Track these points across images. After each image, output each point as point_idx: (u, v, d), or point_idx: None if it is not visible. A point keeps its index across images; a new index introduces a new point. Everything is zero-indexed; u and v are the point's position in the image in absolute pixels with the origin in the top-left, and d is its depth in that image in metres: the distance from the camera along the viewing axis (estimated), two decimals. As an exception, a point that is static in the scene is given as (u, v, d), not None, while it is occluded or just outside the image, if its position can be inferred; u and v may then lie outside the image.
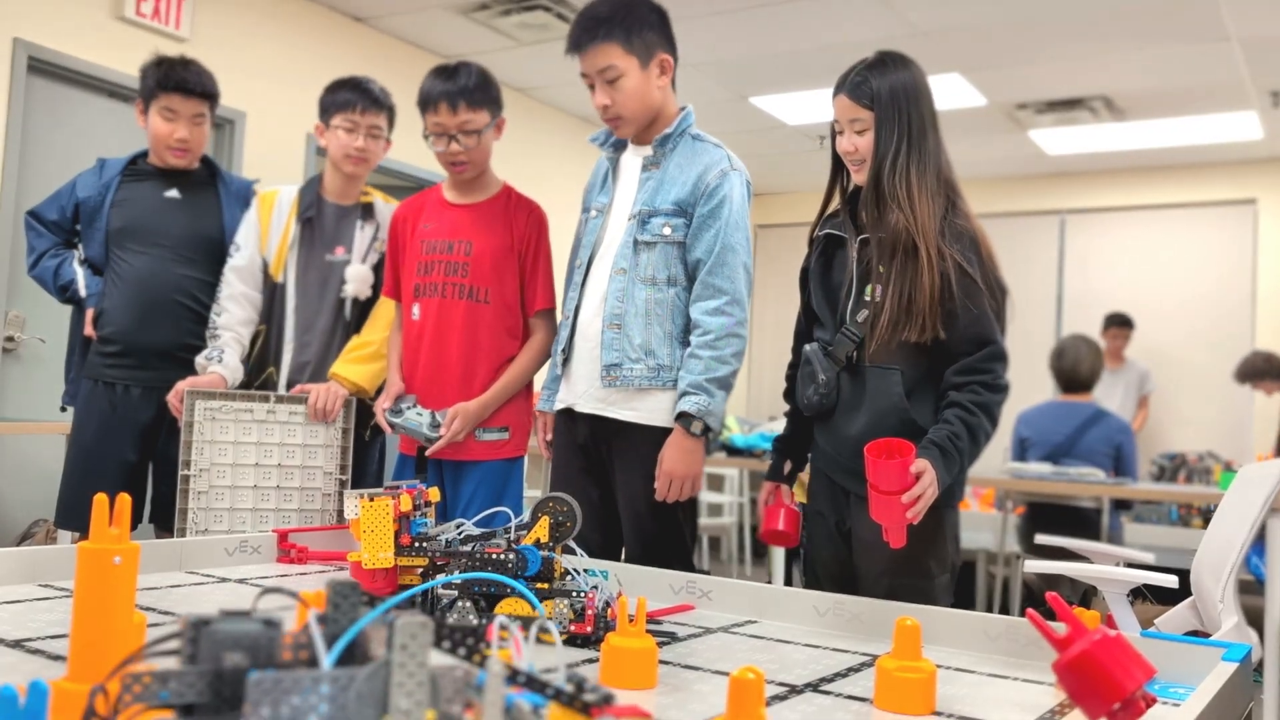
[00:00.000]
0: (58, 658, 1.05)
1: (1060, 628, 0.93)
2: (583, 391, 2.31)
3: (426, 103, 2.45)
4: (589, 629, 1.27)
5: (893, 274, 1.94)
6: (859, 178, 2.05)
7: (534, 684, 0.66)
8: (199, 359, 2.66)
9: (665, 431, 2.22)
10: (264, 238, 2.73)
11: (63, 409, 2.99)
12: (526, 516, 1.45)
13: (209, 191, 2.90)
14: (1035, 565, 2.39)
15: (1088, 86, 6.25)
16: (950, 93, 6.41)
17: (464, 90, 2.42)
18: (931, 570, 1.97)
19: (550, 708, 0.66)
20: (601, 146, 2.43)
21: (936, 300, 1.91)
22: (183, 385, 2.55)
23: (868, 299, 1.98)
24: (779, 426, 4.91)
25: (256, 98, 5.34)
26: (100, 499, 0.82)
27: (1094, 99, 6.45)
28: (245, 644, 0.62)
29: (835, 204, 2.17)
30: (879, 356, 1.96)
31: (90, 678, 0.79)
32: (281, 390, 2.66)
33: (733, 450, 4.97)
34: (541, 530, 1.39)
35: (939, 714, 1.05)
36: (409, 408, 2.42)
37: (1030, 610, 0.96)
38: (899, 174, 1.96)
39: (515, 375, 2.49)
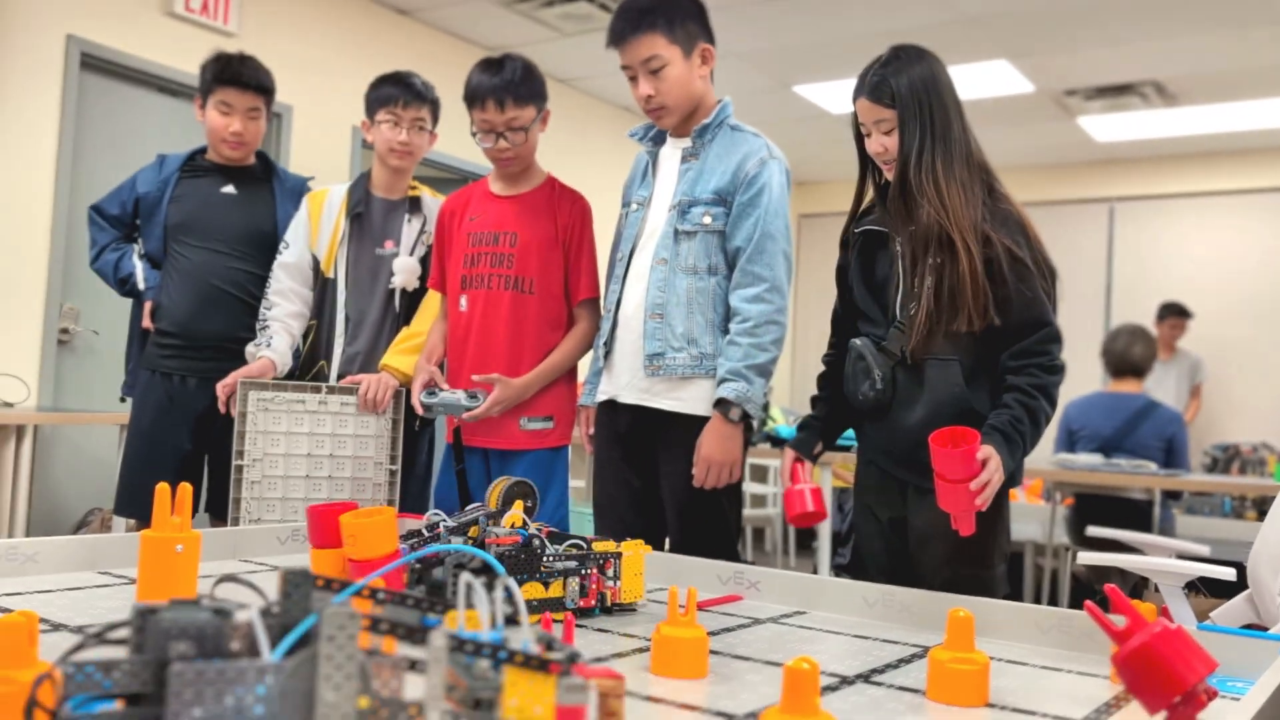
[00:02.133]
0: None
1: (1119, 620, 0.92)
2: (625, 383, 2.32)
3: (473, 99, 2.46)
4: (593, 603, 1.36)
5: (927, 268, 1.92)
6: (891, 175, 2.03)
7: (481, 650, 0.64)
8: (248, 348, 2.71)
9: (708, 420, 2.23)
10: (314, 235, 2.77)
11: (122, 399, 3.05)
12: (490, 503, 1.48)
13: (264, 188, 2.96)
14: (1091, 557, 2.36)
15: (1138, 72, 6.16)
16: (998, 80, 6.33)
17: (510, 85, 2.42)
18: (993, 560, 1.96)
19: (507, 671, 0.65)
20: (640, 141, 2.44)
21: (980, 289, 1.89)
22: (233, 376, 2.59)
23: (919, 291, 1.97)
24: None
25: (304, 91, 5.39)
26: (162, 489, 0.83)
27: (1144, 84, 6.35)
28: (191, 633, 0.60)
29: (866, 199, 2.16)
30: (931, 348, 1.95)
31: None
32: (333, 382, 2.69)
33: (777, 441, 4.94)
34: (517, 516, 1.40)
35: (992, 706, 1.04)
36: (442, 389, 2.45)
37: (1089, 602, 0.95)
38: (925, 169, 1.93)
39: (558, 359, 2.50)
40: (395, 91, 2.73)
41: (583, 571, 1.35)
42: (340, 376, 2.71)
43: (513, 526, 1.39)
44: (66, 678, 0.58)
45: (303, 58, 5.42)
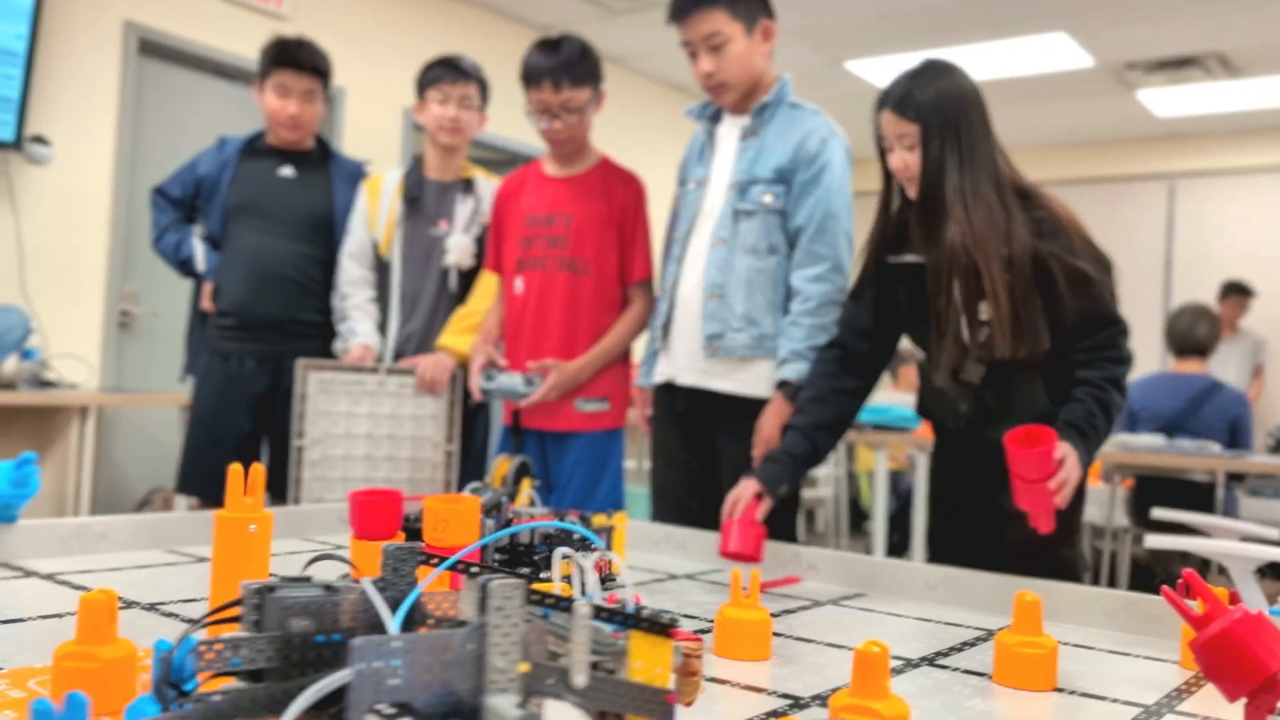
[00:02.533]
0: (190, 621, 1.09)
1: (1195, 605, 0.90)
2: (684, 364, 2.31)
3: (530, 79, 2.46)
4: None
5: (956, 294, 1.86)
6: (913, 193, 1.94)
7: (615, 616, 0.69)
8: (335, 345, 2.81)
9: (768, 402, 2.21)
10: (372, 219, 2.83)
11: (181, 380, 3.11)
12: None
13: (321, 171, 3.00)
14: (1160, 540, 2.31)
15: (1201, 43, 6.01)
16: (1056, 53, 6.22)
17: (567, 66, 2.42)
18: (1076, 539, 1.96)
19: (632, 636, 0.69)
20: (697, 119, 2.42)
21: (1005, 318, 1.82)
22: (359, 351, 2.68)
23: (984, 319, 1.91)
24: (887, 397, 4.73)
25: (355, 73, 5.42)
26: (235, 470, 0.84)
27: (1207, 56, 6.19)
28: (311, 610, 0.63)
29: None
30: (1018, 368, 1.88)
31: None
32: (388, 360, 2.73)
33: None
34: (528, 495, 1.39)
35: (1061, 690, 1.02)
36: (499, 371, 2.46)
37: (1166, 587, 0.94)
38: (951, 188, 1.84)
39: (613, 341, 2.50)
40: (442, 71, 2.78)
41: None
42: (396, 356, 2.74)
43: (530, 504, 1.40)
44: (198, 655, 0.61)
45: (354, 39, 5.45)
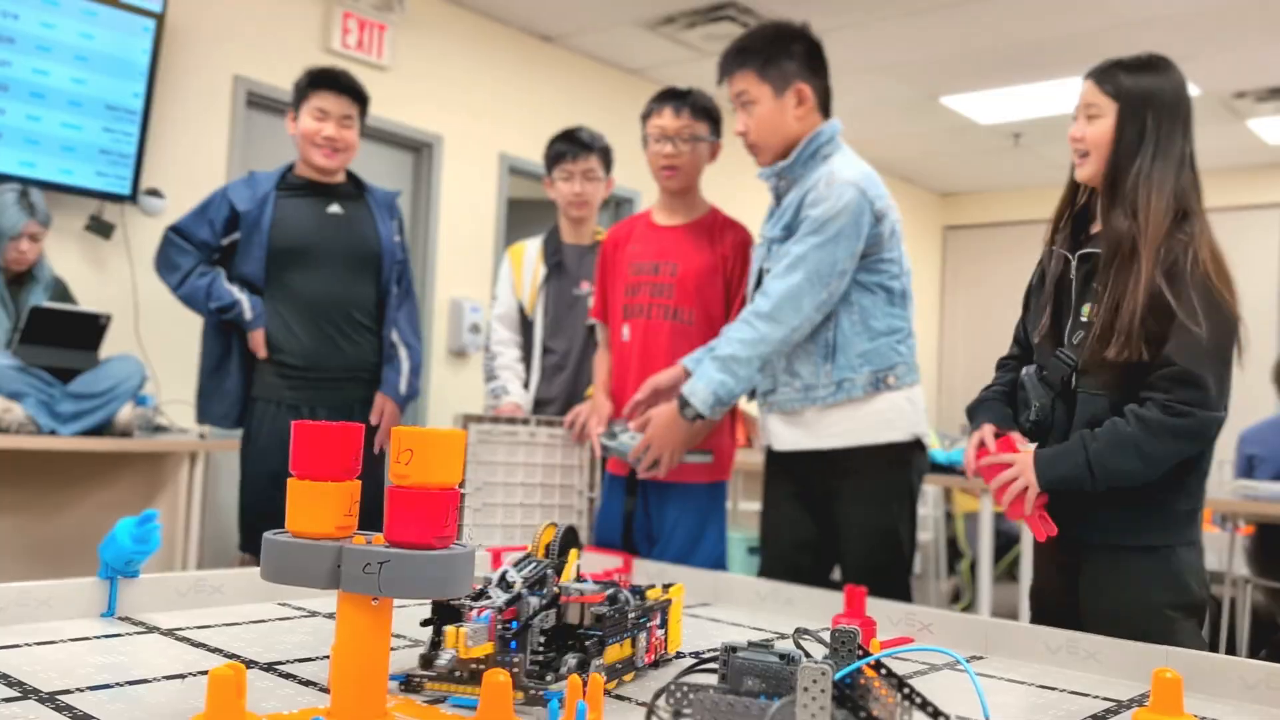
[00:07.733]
0: (308, 683, 1.10)
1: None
2: (768, 426, 2.38)
3: (651, 111, 2.56)
4: (654, 657, 1.18)
5: (1107, 284, 1.80)
6: (1080, 172, 1.92)
7: None
8: (487, 402, 2.89)
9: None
10: (518, 285, 2.95)
11: (199, 420, 3.00)
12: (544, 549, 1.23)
13: (362, 205, 2.98)
14: None
15: (1314, 70, 5.81)
16: (1158, 84, 6.06)
17: (692, 103, 2.54)
18: (1167, 614, 1.80)
19: None
20: (766, 179, 2.43)
21: (1140, 317, 1.75)
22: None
23: (1085, 319, 1.86)
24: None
25: (452, 121, 5.53)
26: (359, 542, 0.84)
27: (1321, 83, 5.99)
28: (759, 670, 0.76)
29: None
30: (1090, 381, 1.84)
31: (351, 713, 0.82)
32: (528, 412, 2.84)
33: (934, 467, 4.79)
34: (571, 567, 1.19)
35: (1204, 774, 0.97)
36: (622, 430, 2.44)
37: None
38: (1136, 176, 1.82)
39: None
40: (564, 147, 2.89)
41: (647, 624, 1.17)
42: (538, 406, 2.84)
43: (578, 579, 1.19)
44: (669, 693, 0.80)
45: (452, 87, 5.57)
